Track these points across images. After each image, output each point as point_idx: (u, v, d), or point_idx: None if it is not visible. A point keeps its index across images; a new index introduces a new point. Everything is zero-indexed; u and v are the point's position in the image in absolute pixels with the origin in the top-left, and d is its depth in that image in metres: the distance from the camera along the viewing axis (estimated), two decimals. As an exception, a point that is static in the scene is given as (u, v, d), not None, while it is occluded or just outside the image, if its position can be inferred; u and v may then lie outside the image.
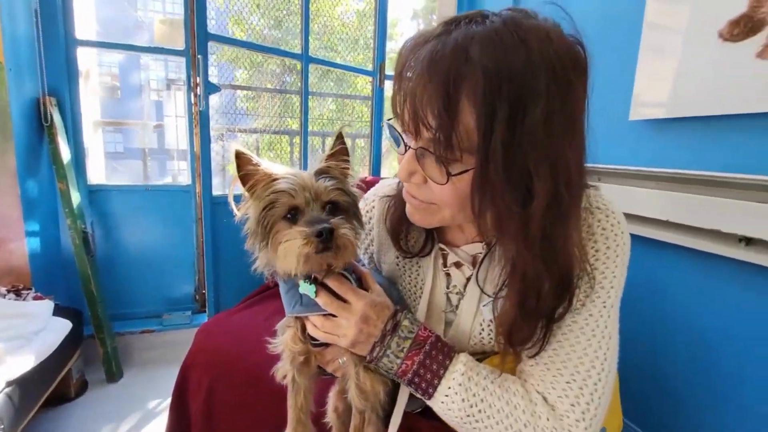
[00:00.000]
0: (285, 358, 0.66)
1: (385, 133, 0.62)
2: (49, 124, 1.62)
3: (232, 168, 0.59)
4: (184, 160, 1.91)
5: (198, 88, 1.61)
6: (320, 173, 0.59)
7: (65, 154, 1.66)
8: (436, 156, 0.50)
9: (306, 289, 0.59)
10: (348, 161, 0.63)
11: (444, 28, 0.50)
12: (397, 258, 0.75)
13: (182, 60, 1.80)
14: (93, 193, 1.81)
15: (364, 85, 3.30)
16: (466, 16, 0.50)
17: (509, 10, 0.49)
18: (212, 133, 1.73)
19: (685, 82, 1.16)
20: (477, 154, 0.48)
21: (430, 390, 0.58)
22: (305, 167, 2.00)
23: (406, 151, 0.55)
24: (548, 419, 0.55)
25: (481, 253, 0.66)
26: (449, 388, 0.57)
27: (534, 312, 0.54)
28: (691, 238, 1.12)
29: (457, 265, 0.68)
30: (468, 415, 0.56)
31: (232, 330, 1.25)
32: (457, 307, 0.68)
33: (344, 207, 0.60)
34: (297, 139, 2.32)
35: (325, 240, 0.52)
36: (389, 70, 2.14)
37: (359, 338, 0.59)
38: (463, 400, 0.56)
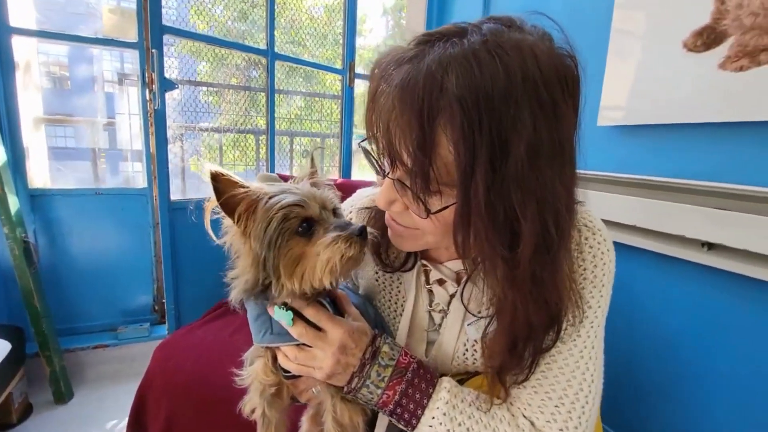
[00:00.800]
0: (253, 390, 0.60)
1: (361, 154, 0.58)
2: (-21, 121, 1.45)
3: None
4: (139, 161, 1.77)
5: (153, 84, 1.49)
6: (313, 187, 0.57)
7: (0, 154, 1.49)
8: (413, 193, 0.46)
9: (282, 315, 0.54)
10: (323, 182, 0.62)
11: (418, 50, 0.45)
12: (376, 273, 0.71)
13: (136, 53, 1.66)
14: (35, 198, 1.64)
15: (333, 81, 3.20)
16: (443, 33, 0.45)
17: (492, 22, 0.45)
18: (170, 132, 1.62)
19: (650, 90, 1.19)
20: (458, 192, 0.44)
21: (413, 421, 0.55)
22: (272, 168, 1.90)
23: (384, 176, 0.51)
24: None
25: (465, 269, 0.63)
26: (433, 417, 0.54)
27: (524, 349, 0.51)
28: (656, 242, 1.15)
29: (440, 282, 0.65)
30: None
31: (193, 348, 1.17)
32: (440, 325, 0.65)
33: (342, 216, 0.58)
34: (263, 138, 2.22)
35: (365, 238, 0.51)
36: (359, 69, 2.08)
37: (336, 370, 0.54)
38: (448, 430, 0.53)
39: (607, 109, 1.29)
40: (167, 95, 1.57)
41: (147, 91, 1.69)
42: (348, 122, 2.05)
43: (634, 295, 1.24)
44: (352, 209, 0.72)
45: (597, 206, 1.24)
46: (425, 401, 0.55)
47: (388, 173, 0.50)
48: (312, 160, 0.63)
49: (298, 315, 0.55)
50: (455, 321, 0.63)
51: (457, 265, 0.64)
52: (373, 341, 0.57)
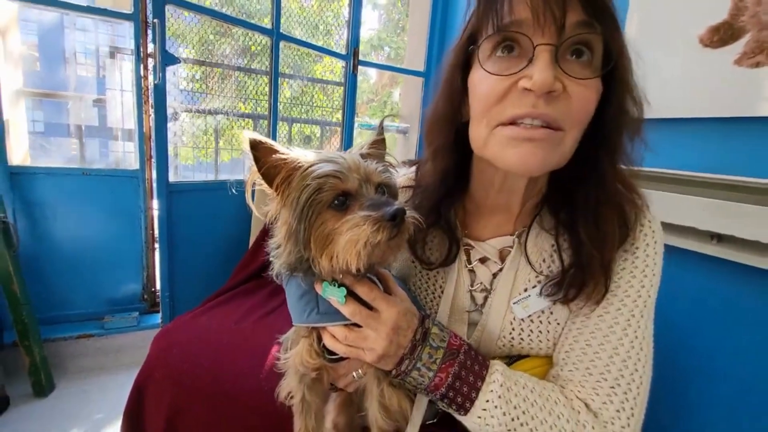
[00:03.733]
0: (291, 374, 0.56)
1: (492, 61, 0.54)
2: (-45, 89, 1.33)
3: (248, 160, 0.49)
4: (131, 141, 1.67)
5: (151, 59, 1.40)
6: (364, 157, 0.52)
7: (-22, 127, 1.37)
8: (599, 33, 0.48)
9: (333, 292, 0.50)
10: (386, 154, 0.58)
11: None
12: (413, 264, 0.68)
13: (130, 25, 1.56)
14: (15, 176, 1.52)
15: (323, 72, 3.12)
16: None
17: None
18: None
19: (663, 85, 1.20)
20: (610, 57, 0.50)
21: (467, 404, 0.52)
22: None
23: (529, 62, 0.48)
24: (593, 428, 0.52)
25: (509, 246, 0.61)
26: (487, 401, 0.52)
27: (612, 238, 0.54)
28: (666, 234, 1.17)
29: (482, 260, 0.63)
30: (509, 430, 0.51)
31: (197, 335, 1.10)
32: (482, 305, 0.63)
33: (394, 193, 0.53)
34: (264, 124, 2.14)
35: (399, 224, 0.45)
36: (361, 56, 2.04)
37: (388, 351, 0.51)
38: (504, 413, 0.51)
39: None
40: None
41: (141, 66, 1.60)
42: (350, 108, 2.00)
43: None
44: None
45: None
46: (479, 384, 0.53)
47: (536, 47, 0.47)
48: (381, 126, 0.58)
49: (348, 292, 0.52)
50: (501, 300, 0.61)
51: (500, 242, 0.63)
52: (423, 322, 0.54)
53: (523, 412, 0.52)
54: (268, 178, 0.48)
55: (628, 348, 0.54)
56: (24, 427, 1.37)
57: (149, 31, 1.58)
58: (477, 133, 0.53)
